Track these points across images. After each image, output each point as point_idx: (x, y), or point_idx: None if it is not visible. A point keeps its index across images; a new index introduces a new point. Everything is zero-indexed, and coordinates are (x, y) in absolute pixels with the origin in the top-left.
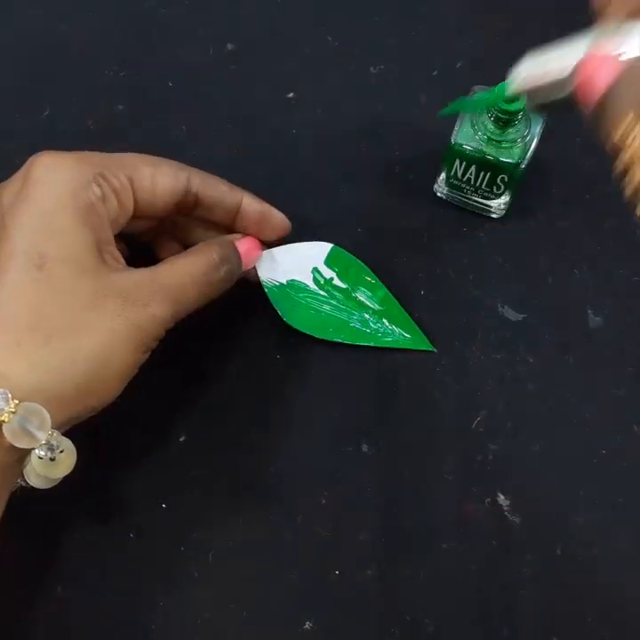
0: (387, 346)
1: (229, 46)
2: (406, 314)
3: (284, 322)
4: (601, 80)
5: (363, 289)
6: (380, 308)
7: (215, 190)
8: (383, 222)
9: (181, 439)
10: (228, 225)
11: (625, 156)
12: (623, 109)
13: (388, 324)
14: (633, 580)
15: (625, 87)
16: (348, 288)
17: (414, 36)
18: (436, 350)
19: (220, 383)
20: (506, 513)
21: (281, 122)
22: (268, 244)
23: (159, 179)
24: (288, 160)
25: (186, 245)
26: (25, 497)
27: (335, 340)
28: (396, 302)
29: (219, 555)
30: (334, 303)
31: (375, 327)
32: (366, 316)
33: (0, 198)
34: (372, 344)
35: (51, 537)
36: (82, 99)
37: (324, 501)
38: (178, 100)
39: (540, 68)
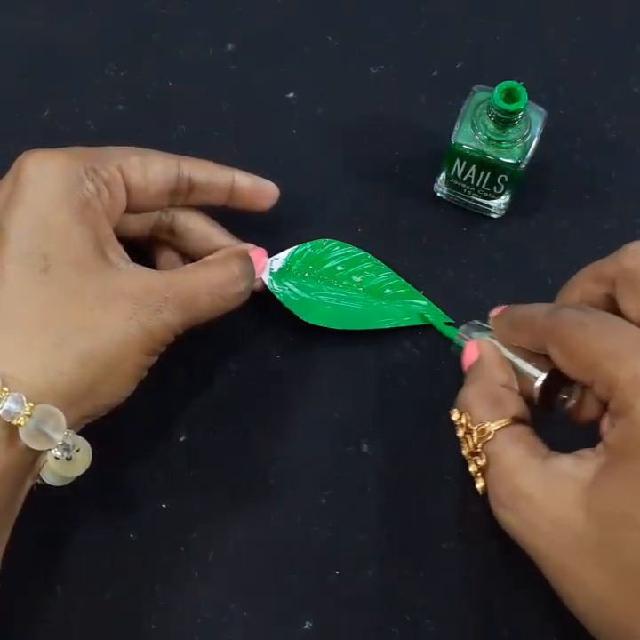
0: (407, 325)
1: (229, 46)
2: (416, 290)
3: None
4: (465, 362)
5: (369, 274)
6: (391, 291)
7: (207, 171)
8: (383, 222)
9: (181, 439)
10: (224, 204)
11: (462, 450)
12: (459, 403)
13: (403, 305)
14: None
15: (467, 378)
16: (354, 277)
17: (414, 35)
18: (454, 321)
19: (220, 383)
20: None
21: (281, 122)
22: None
23: (149, 165)
24: (288, 160)
25: (183, 255)
26: (24, 497)
27: (356, 328)
28: (404, 281)
29: (219, 555)
30: (347, 293)
31: (391, 310)
32: (383, 303)
33: None
34: (394, 326)
35: (51, 537)
36: (82, 99)
37: (323, 501)
38: (178, 100)
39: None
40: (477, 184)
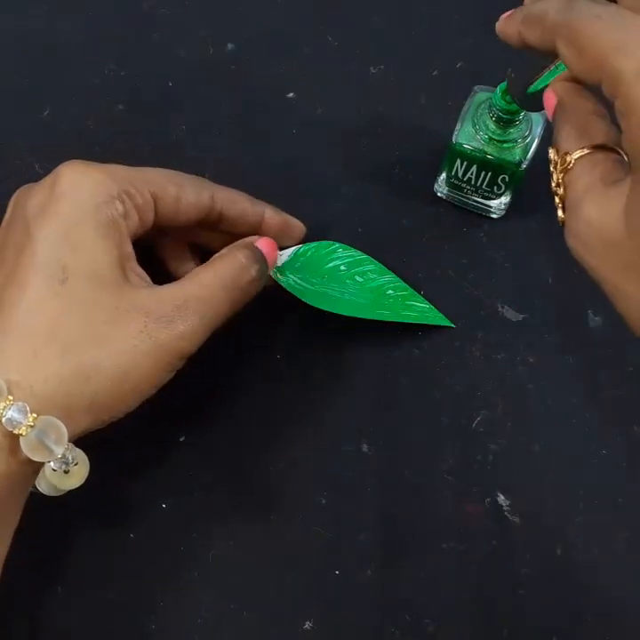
0: (409, 322)
1: (229, 46)
2: (417, 293)
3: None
4: (548, 110)
5: (371, 275)
6: (393, 293)
7: (239, 207)
8: (383, 222)
9: (181, 439)
10: (249, 235)
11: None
12: (553, 141)
13: (404, 306)
14: (633, 581)
15: (554, 121)
16: (357, 277)
17: (414, 36)
18: (454, 325)
19: (221, 383)
20: (506, 513)
21: (281, 122)
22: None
23: (183, 197)
24: (288, 160)
25: (192, 245)
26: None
27: (359, 316)
28: (406, 285)
29: (219, 555)
30: (350, 291)
31: (394, 306)
32: (385, 302)
33: (25, 206)
34: (394, 320)
35: (51, 537)
36: (82, 99)
37: (323, 501)
38: (178, 99)
39: None
40: (478, 184)
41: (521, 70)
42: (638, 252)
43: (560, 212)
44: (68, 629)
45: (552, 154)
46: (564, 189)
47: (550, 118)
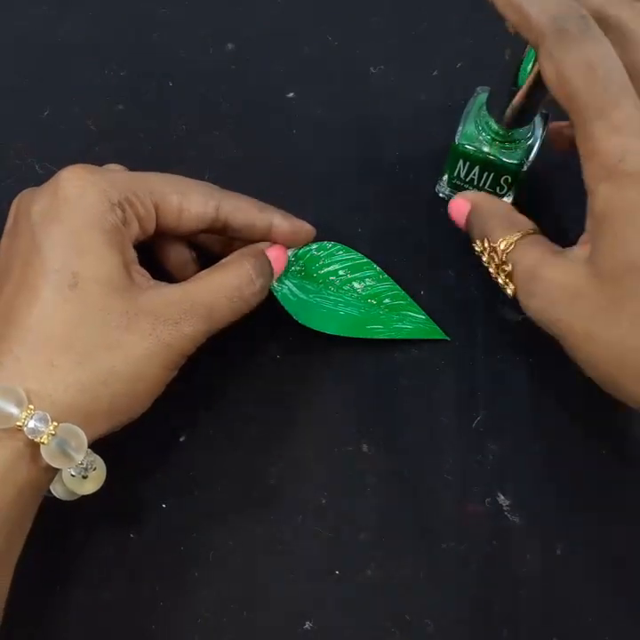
0: (402, 337)
1: (229, 46)
2: (415, 303)
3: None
4: (460, 216)
5: (370, 282)
6: (390, 302)
7: (246, 217)
8: (383, 222)
9: (181, 439)
10: (256, 242)
11: (490, 270)
12: (473, 238)
13: (400, 316)
14: (632, 581)
15: (472, 223)
16: (355, 283)
17: (414, 35)
18: (449, 339)
19: (221, 383)
20: (506, 513)
21: (281, 122)
22: None
23: (185, 208)
24: (288, 160)
25: (192, 244)
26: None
27: (350, 336)
28: (404, 293)
29: (219, 555)
30: (346, 299)
31: (388, 320)
32: (380, 312)
33: (29, 213)
34: (387, 337)
35: (50, 536)
36: (82, 99)
37: (323, 501)
38: (178, 99)
39: None
40: (480, 185)
41: (500, 89)
42: (607, 296)
43: (510, 289)
44: (67, 629)
45: (479, 244)
46: (512, 265)
47: (462, 223)
